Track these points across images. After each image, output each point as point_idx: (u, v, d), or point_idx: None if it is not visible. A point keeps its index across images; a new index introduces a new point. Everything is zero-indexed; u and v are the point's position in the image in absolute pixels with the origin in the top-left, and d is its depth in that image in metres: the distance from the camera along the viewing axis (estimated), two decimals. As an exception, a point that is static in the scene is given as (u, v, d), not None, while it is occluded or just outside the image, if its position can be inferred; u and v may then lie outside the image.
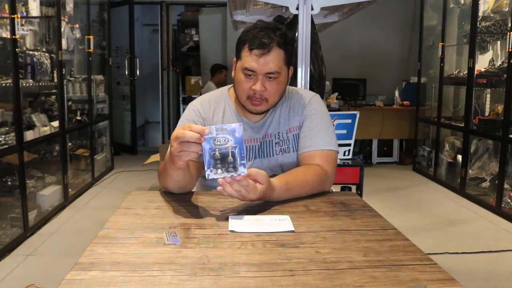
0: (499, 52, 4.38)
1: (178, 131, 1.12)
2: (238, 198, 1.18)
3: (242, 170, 1.13)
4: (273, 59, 1.41)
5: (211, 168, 1.12)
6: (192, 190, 1.44)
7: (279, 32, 1.42)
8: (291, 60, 1.49)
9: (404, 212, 4.01)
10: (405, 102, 5.88)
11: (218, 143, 1.11)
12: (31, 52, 3.42)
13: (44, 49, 3.71)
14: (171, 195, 1.37)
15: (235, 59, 1.50)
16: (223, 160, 1.12)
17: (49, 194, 3.65)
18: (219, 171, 1.12)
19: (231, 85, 1.61)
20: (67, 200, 3.94)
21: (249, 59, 1.41)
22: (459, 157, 4.64)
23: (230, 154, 1.11)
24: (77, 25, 4.48)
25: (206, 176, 1.12)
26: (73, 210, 3.88)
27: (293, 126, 1.55)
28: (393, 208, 4.10)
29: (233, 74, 1.51)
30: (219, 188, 1.15)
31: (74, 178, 4.35)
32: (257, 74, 1.42)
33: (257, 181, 1.20)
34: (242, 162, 1.12)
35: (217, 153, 1.11)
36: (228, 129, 1.11)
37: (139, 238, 1.02)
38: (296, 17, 2.44)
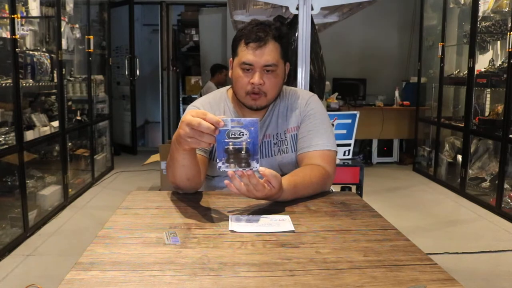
0: (499, 52, 4.38)
1: (191, 117, 1.09)
2: (244, 193, 1.16)
3: (255, 165, 1.11)
4: (269, 52, 1.42)
5: (223, 161, 1.10)
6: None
7: (274, 26, 1.45)
8: (287, 55, 1.50)
9: (404, 212, 4.01)
10: (405, 102, 5.88)
11: (232, 136, 1.08)
12: (31, 52, 3.42)
13: (44, 49, 3.71)
14: (171, 195, 1.37)
15: (231, 58, 1.51)
16: (236, 155, 1.09)
17: (49, 194, 3.65)
18: (232, 165, 1.10)
19: (229, 86, 1.61)
20: (67, 200, 3.94)
21: (246, 53, 1.42)
22: (459, 157, 4.64)
23: (244, 149, 1.09)
24: (77, 25, 4.49)
25: (218, 168, 1.10)
26: (73, 210, 3.88)
27: (291, 126, 1.55)
28: (393, 208, 4.10)
29: (230, 73, 1.52)
30: (226, 182, 1.14)
31: (74, 178, 4.35)
32: (255, 68, 1.42)
33: (271, 183, 1.19)
34: (256, 157, 1.10)
35: (230, 147, 1.08)
36: (243, 123, 1.08)
37: (139, 238, 1.02)
38: (296, 17, 2.44)
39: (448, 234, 3.46)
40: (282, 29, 1.47)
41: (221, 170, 1.10)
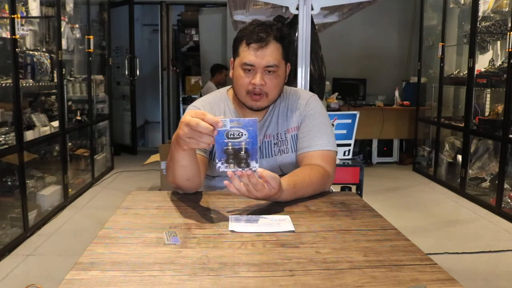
0: (499, 52, 4.38)
1: (190, 118, 1.08)
2: (244, 194, 1.16)
3: (254, 165, 1.10)
4: (271, 53, 1.42)
5: (222, 161, 1.09)
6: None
7: (275, 27, 1.45)
8: (288, 55, 1.50)
9: (404, 212, 4.01)
10: (405, 102, 5.88)
11: (231, 136, 1.08)
12: (31, 52, 3.42)
13: (44, 49, 3.71)
14: (171, 195, 1.37)
15: (232, 59, 1.51)
16: (236, 155, 1.09)
17: (49, 194, 3.65)
18: (231, 165, 1.10)
19: (229, 86, 1.61)
20: (67, 200, 3.94)
21: (247, 53, 1.42)
22: (459, 157, 4.64)
23: (243, 149, 1.09)
24: (77, 25, 4.49)
25: (217, 168, 1.10)
26: (73, 210, 3.88)
27: (291, 126, 1.56)
28: (393, 208, 4.10)
29: (231, 73, 1.52)
30: (226, 182, 1.13)
31: (74, 178, 4.35)
32: (256, 68, 1.42)
33: (270, 184, 1.18)
34: (255, 157, 1.10)
35: (230, 148, 1.08)
36: (242, 123, 1.08)
37: (139, 238, 1.02)
38: (296, 17, 2.44)
39: (448, 234, 3.46)
40: (283, 30, 1.47)
41: (220, 170, 1.10)
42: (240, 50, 1.45)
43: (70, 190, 4.05)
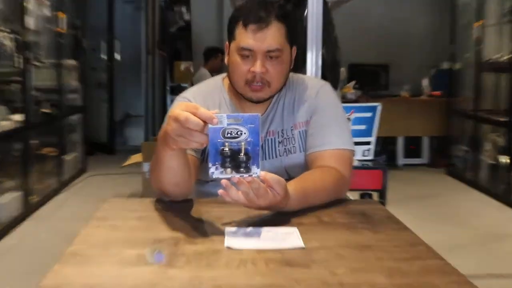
0: (550, 32, 4.37)
1: (180, 111, 1.07)
2: (244, 203, 1.15)
3: (255, 171, 1.09)
4: (273, 35, 1.42)
5: (217, 166, 1.07)
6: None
7: (277, 4, 1.46)
8: (293, 37, 1.50)
9: (437, 225, 4.00)
10: (435, 92, 5.90)
11: (229, 135, 1.06)
12: (-12, 32, 3.43)
13: (5, 28, 3.71)
14: (155, 203, 1.37)
15: (227, 42, 1.52)
16: (234, 158, 1.07)
17: (6, 202, 3.65)
18: (228, 170, 1.08)
19: (225, 74, 1.61)
20: (28, 210, 3.94)
21: (245, 36, 1.42)
22: (504, 158, 4.63)
23: (242, 150, 1.07)
24: (46, 1, 4.49)
25: (210, 174, 1.08)
26: (35, 221, 3.89)
27: (299, 121, 1.56)
28: (424, 220, 4.10)
29: (226, 59, 1.53)
30: (220, 191, 1.12)
31: (38, 182, 4.35)
32: (256, 53, 1.42)
33: (274, 190, 1.17)
34: (256, 160, 1.08)
35: (226, 148, 1.07)
36: (242, 120, 1.06)
37: (116, 255, 1.02)
38: (305, -9, 2.43)
39: (492, 252, 3.46)
40: (286, 7, 1.48)
41: (213, 176, 1.08)
42: (237, 33, 1.45)
43: (32, 197, 4.05)
